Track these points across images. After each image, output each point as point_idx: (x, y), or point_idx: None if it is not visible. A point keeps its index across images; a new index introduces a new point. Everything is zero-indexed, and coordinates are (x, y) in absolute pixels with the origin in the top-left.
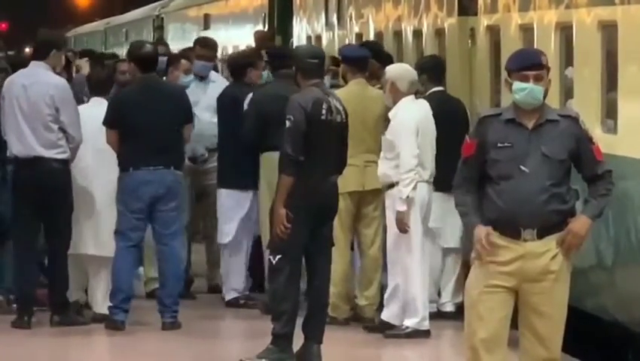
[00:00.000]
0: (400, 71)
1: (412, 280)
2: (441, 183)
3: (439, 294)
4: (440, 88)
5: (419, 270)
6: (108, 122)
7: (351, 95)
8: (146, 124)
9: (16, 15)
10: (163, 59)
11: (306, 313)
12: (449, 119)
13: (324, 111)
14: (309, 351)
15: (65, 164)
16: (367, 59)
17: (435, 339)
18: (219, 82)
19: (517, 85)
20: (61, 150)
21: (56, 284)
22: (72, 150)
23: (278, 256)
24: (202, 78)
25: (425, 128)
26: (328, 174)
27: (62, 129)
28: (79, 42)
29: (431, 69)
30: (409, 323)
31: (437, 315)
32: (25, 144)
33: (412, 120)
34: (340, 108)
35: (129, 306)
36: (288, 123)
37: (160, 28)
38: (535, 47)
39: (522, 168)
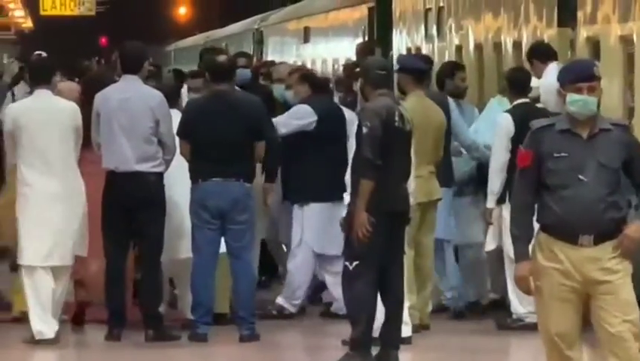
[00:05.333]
0: None
1: None
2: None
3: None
4: (526, 100)
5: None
6: (180, 132)
7: (416, 106)
8: (215, 135)
9: (116, 30)
10: (246, 71)
11: (383, 321)
12: None
13: (396, 118)
14: (388, 357)
15: (161, 177)
16: (429, 70)
17: None
18: None
19: (572, 97)
20: (157, 162)
21: (150, 298)
22: (167, 161)
23: (355, 263)
24: None
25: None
26: (401, 180)
27: (160, 141)
28: (179, 56)
29: (516, 81)
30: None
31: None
32: (122, 158)
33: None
34: (408, 117)
35: (211, 318)
36: (364, 129)
37: (259, 41)
38: (636, 58)
39: (581, 177)
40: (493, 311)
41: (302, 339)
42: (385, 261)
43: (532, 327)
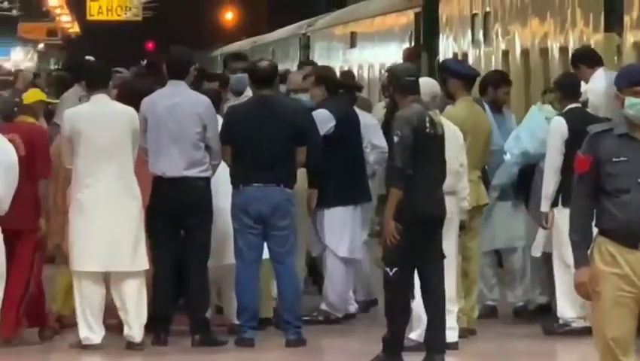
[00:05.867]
0: (421, 84)
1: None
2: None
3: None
4: (577, 105)
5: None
6: (222, 137)
7: (467, 111)
8: (256, 140)
9: (163, 35)
10: (243, 77)
11: (426, 325)
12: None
13: (427, 124)
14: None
15: (208, 182)
16: (477, 75)
17: None
18: None
19: (630, 100)
20: (204, 167)
21: (197, 303)
22: (214, 166)
23: (394, 269)
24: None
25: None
26: (436, 186)
27: (207, 146)
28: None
29: (567, 86)
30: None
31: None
32: (171, 163)
33: None
34: (439, 122)
35: (257, 323)
36: (396, 138)
37: (306, 46)
38: None
39: None
40: (541, 316)
41: (348, 344)
42: (424, 266)
43: (579, 332)
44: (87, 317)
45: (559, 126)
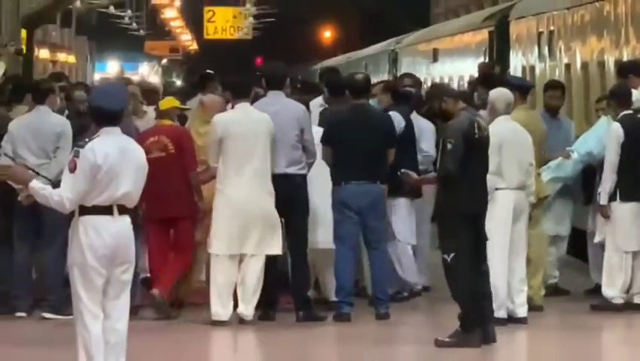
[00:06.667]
0: (498, 94)
1: (494, 273)
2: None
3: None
4: (630, 111)
5: (500, 265)
6: (323, 140)
7: (526, 118)
8: (355, 143)
9: (270, 51)
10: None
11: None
12: (639, 137)
13: (476, 130)
14: (487, 330)
15: (305, 179)
16: (532, 86)
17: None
18: None
19: None
20: (302, 165)
21: (300, 284)
22: (309, 165)
23: (452, 255)
24: None
25: (511, 144)
26: (480, 183)
27: (304, 147)
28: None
29: (620, 95)
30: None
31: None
32: (275, 163)
33: (494, 137)
34: (485, 127)
35: (353, 299)
36: (449, 146)
37: (394, 61)
38: None
39: None
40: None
41: (426, 319)
42: (475, 252)
43: (620, 308)
44: (220, 295)
45: (617, 130)
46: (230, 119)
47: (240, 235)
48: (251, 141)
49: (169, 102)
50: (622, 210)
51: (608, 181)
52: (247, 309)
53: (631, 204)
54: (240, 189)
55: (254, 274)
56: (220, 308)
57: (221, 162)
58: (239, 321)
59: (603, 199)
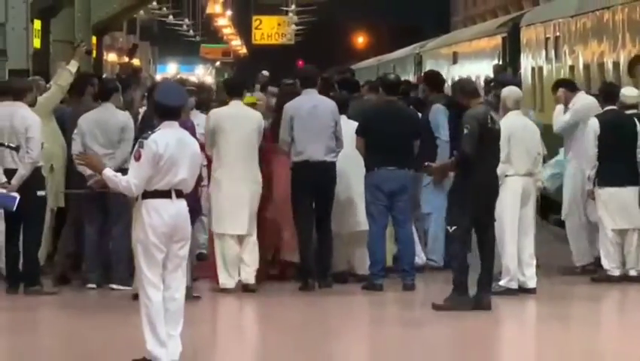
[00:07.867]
0: (508, 92)
1: (504, 251)
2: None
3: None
4: (613, 107)
5: (510, 243)
6: (359, 131)
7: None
8: (387, 134)
9: (310, 55)
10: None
11: (480, 269)
12: (618, 130)
13: (489, 121)
14: (481, 298)
15: (335, 165)
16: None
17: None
18: None
19: None
20: (334, 154)
21: (326, 256)
22: (338, 153)
23: (454, 227)
24: None
25: (520, 135)
26: (491, 167)
27: (336, 137)
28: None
29: (605, 92)
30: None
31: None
32: (314, 151)
33: (504, 130)
34: (497, 120)
35: (384, 272)
36: (466, 130)
37: (419, 63)
38: None
39: None
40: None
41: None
42: (479, 228)
43: (616, 279)
44: (226, 268)
45: (593, 125)
46: (222, 114)
47: (234, 216)
48: (239, 133)
49: (250, 99)
50: (605, 194)
51: (589, 169)
52: (249, 276)
53: (610, 189)
54: (231, 176)
55: (250, 248)
56: (226, 278)
57: (215, 152)
58: (242, 288)
59: (588, 185)
